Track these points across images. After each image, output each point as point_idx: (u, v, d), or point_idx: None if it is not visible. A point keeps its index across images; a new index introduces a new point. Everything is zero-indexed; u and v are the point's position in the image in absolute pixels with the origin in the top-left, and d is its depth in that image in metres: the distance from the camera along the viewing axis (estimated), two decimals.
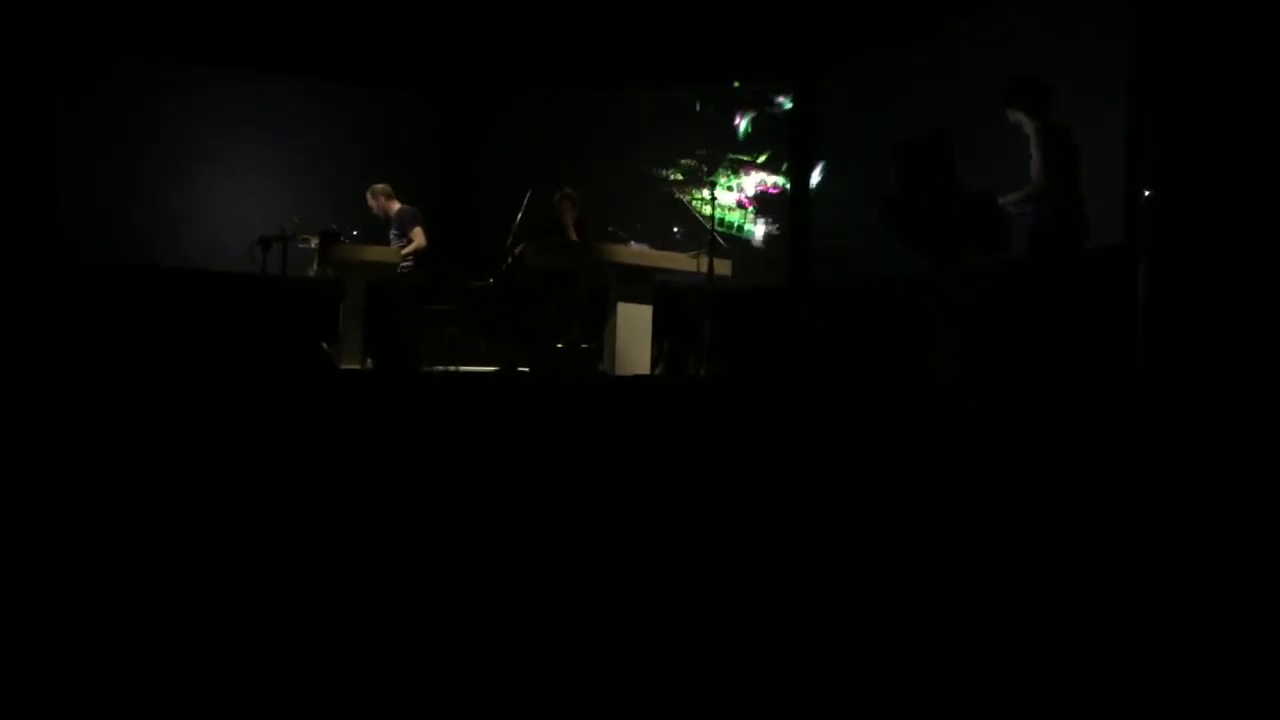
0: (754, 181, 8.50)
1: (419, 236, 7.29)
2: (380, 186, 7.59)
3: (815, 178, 7.74)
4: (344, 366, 7.36)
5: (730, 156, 8.62)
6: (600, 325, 6.74)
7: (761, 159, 8.59)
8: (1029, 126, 4.99)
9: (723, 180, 8.48)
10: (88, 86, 8.81)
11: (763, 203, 8.67)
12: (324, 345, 7.34)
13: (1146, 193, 5.76)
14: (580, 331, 6.89)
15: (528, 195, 7.18)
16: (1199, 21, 5.69)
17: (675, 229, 6.96)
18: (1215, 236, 5.43)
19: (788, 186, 8.67)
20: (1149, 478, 2.62)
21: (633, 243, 6.80)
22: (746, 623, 1.64)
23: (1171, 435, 2.75)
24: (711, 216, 6.77)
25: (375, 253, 7.44)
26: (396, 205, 7.53)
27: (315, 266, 7.55)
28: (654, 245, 6.84)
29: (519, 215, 7.22)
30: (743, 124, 8.61)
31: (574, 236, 7.09)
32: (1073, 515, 2.44)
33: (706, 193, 7.64)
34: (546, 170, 8.21)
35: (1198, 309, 5.36)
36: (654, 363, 6.84)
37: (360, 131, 9.53)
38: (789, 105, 8.53)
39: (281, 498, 2.68)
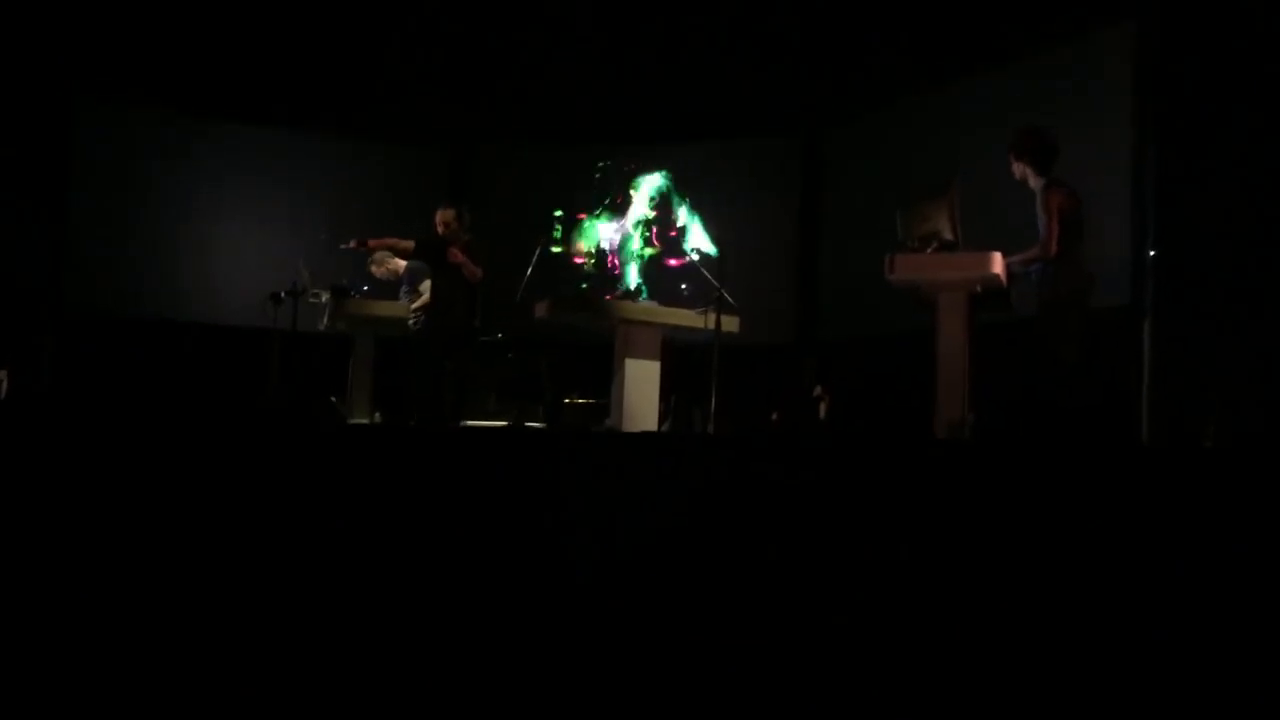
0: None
1: (429, 290, 7.31)
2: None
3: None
4: (353, 420, 7.39)
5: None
6: (608, 381, 6.75)
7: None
8: (1035, 183, 4.98)
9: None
10: (99, 141, 8.94)
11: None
12: (333, 399, 7.37)
13: (1152, 252, 5.78)
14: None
15: (538, 249, 7.21)
16: (1203, 81, 5.75)
17: (683, 285, 6.99)
18: (1221, 296, 5.45)
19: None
20: (1151, 539, 2.62)
21: (640, 298, 6.83)
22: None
23: (1174, 497, 2.75)
24: (719, 272, 6.76)
25: (385, 308, 7.50)
26: (404, 263, 7.57)
27: (325, 321, 7.61)
28: (661, 301, 6.86)
29: (529, 270, 7.25)
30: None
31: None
32: (1073, 575, 2.43)
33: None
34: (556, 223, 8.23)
35: (1203, 368, 5.36)
36: (661, 419, 6.84)
37: (371, 185, 9.62)
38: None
39: (287, 550, 2.68)
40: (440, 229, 6.61)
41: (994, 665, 1.81)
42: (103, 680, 1.61)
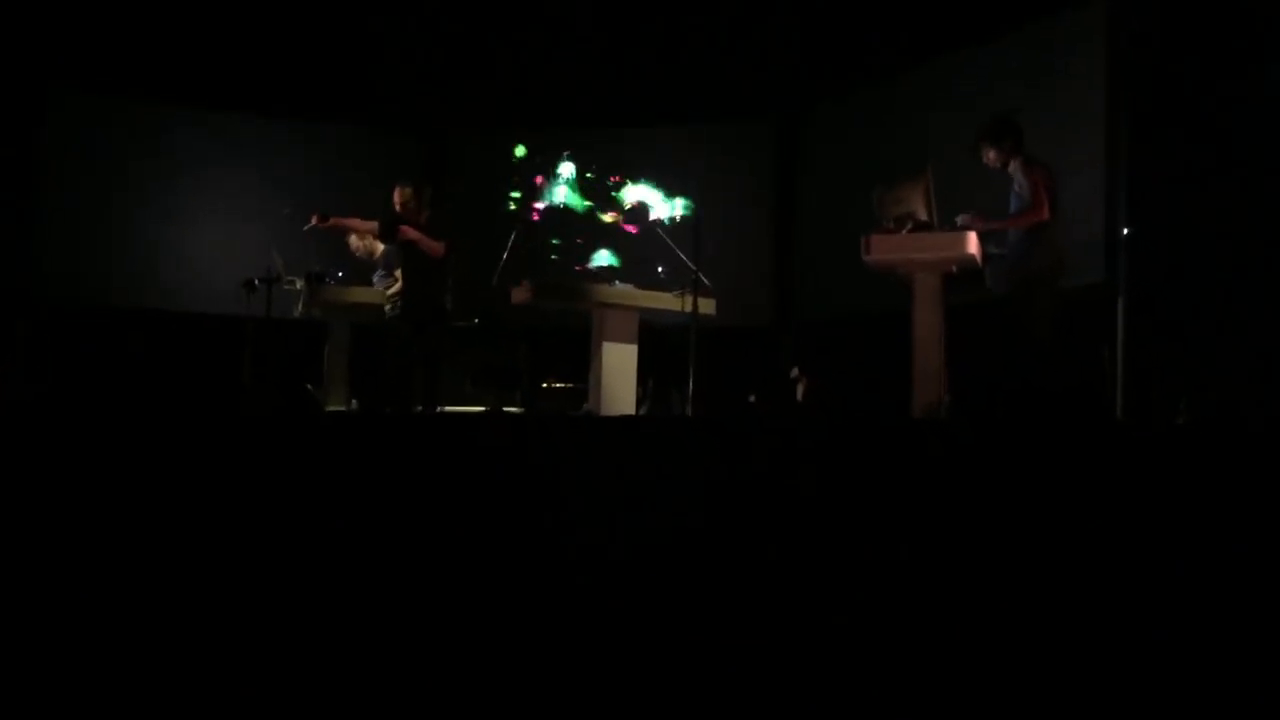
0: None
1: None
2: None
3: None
4: (329, 408, 7.34)
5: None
6: (585, 365, 6.74)
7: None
8: (1014, 162, 5.00)
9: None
10: (69, 128, 8.83)
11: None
12: (309, 387, 7.32)
13: (1125, 230, 5.82)
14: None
15: (514, 234, 7.18)
16: (1175, 58, 5.77)
17: (660, 268, 6.98)
18: (1195, 273, 5.49)
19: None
20: (1126, 515, 2.64)
21: (617, 282, 6.82)
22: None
23: (1149, 472, 2.78)
24: (695, 253, 6.73)
25: (360, 294, 7.44)
26: (381, 245, 7.48)
27: (300, 308, 7.55)
28: (638, 284, 6.85)
29: (504, 255, 7.22)
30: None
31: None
32: (1049, 552, 2.45)
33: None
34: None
35: (1177, 344, 5.41)
36: (639, 402, 6.84)
37: (345, 172, 9.52)
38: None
39: (262, 538, 2.67)
40: (398, 208, 6.51)
41: (968, 636, 1.82)
42: (77, 671, 1.59)
